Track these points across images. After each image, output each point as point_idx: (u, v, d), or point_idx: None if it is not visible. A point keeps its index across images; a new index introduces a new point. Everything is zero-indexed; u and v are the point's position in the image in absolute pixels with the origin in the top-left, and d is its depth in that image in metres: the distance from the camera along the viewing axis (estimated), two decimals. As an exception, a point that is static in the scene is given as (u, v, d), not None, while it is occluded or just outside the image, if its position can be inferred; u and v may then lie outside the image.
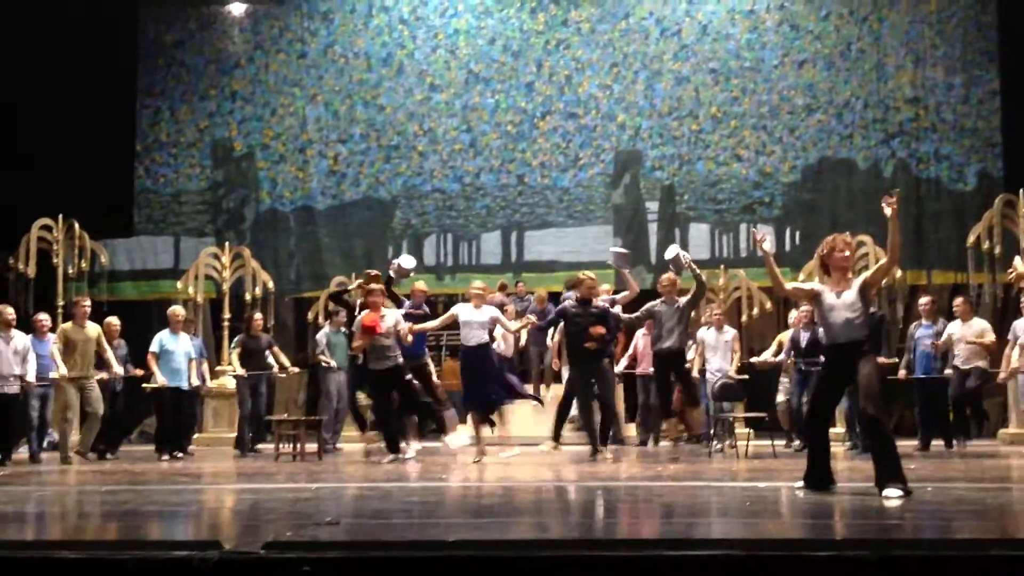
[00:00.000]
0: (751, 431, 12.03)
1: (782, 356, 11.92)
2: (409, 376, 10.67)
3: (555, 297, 13.78)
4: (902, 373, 11.81)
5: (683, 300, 10.43)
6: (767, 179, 17.03)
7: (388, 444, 10.62)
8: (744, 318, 15.36)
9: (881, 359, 11.26)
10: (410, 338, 10.47)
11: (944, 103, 16.67)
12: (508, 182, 17.60)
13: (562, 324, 10.87)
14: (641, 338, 12.70)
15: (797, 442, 11.54)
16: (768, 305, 15.40)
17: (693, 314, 11.60)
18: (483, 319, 10.52)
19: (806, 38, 17.10)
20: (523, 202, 17.57)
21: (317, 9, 18.14)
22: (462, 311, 10.61)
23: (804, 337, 11.58)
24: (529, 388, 11.81)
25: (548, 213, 17.49)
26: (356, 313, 10.98)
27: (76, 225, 15.58)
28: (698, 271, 10.48)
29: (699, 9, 17.40)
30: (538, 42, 17.73)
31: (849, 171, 16.83)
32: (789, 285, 7.41)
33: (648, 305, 10.54)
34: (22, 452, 11.60)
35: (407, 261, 11.73)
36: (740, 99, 17.17)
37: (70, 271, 15.57)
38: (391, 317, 10.50)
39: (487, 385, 10.51)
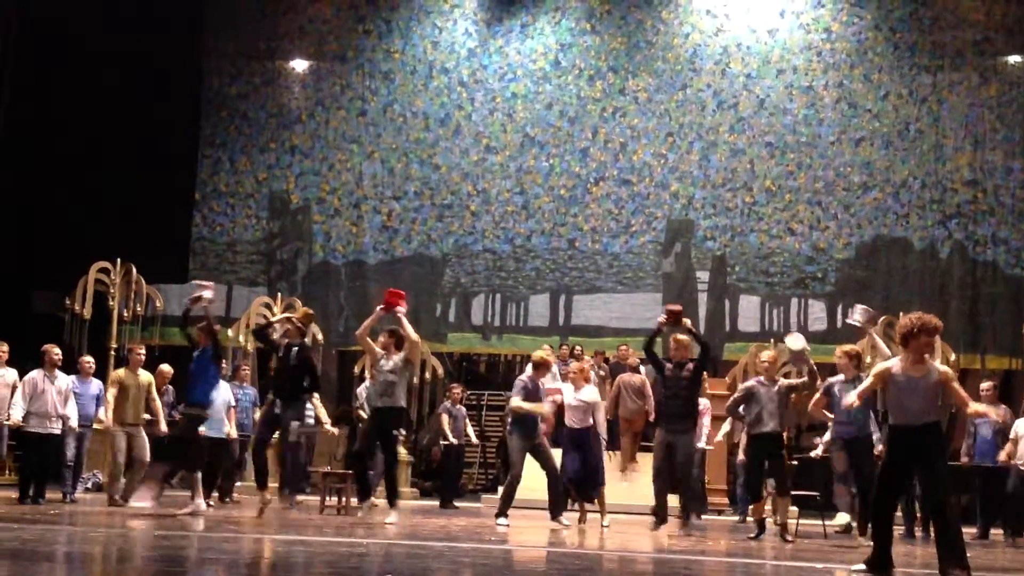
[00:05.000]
0: (797, 509, 11.83)
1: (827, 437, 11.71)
2: (396, 432, 10.04)
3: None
4: (964, 459, 11.55)
5: (784, 383, 9.84)
6: (820, 254, 16.98)
7: (361, 490, 10.04)
8: (792, 395, 15.16)
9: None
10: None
11: (1003, 187, 16.62)
12: (559, 245, 17.68)
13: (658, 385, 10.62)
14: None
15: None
16: (817, 382, 15.21)
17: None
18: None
19: (864, 116, 17.15)
20: (573, 266, 17.63)
21: (378, 68, 18.49)
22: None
23: None
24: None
25: (597, 278, 17.53)
26: (279, 354, 10.09)
27: (133, 269, 15.79)
28: (813, 365, 10.06)
29: (757, 83, 17.53)
30: (595, 109, 17.92)
31: (904, 250, 16.76)
32: (859, 391, 7.14)
33: (745, 385, 10.18)
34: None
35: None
36: (795, 173, 17.20)
37: (125, 314, 15.75)
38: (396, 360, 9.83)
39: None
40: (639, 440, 13.40)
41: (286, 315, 10.49)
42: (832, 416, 9.61)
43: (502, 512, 10.10)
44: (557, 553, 8.10)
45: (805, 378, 10.05)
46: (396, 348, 9.91)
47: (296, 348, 10.08)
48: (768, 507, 10.66)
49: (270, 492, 10.16)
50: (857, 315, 10.15)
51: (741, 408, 9.87)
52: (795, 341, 9.91)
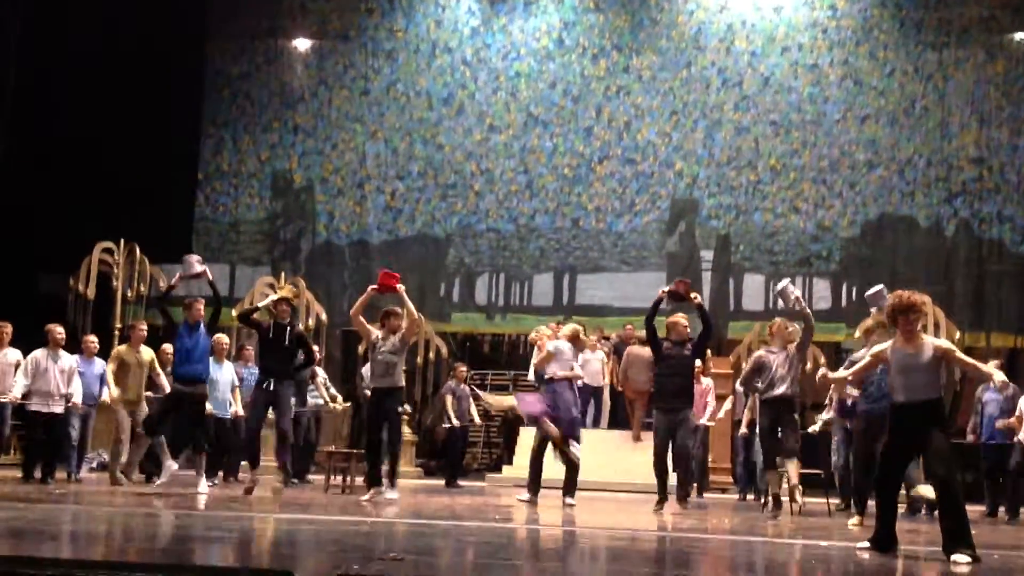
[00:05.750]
0: (801, 487, 11.81)
1: (831, 414, 11.66)
2: (401, 409, 10.05)
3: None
4: (971, 438, 11.53)
5: (792, 347, 9.78)
6: (825, 233, 16.94)
7: (370, 477, 9.87)
8: (802, 361, 15.14)
9: None
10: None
11: (1008, 164, 16.55)
12: (563, 225, 17.64)
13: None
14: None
15: (837, 501, 11.23)
16: (822, 360, 15.20)
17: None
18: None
19: (869, 94, 17.05)
20: (577, 245, 17.60)
21: (382, 47, 18.40)
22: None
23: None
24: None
25: (601, 257, 17.49)
26: (270, 335, 9.95)
27: (137, 249, 15.80)
28: (806, 309, 9.99)
29: (762, 61, 17.43)
30: (598, 87, 17.83)
31: (910, 228, 16.70)
32: (851, 371, 7.12)
33: (754, 356, 10.18)
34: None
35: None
36: (800, 152, 17.13)
37: (128, 294, 15.77)
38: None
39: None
40: (643, 414, 13.41)
41: (279, 295, 10.44)
42: (855, 394, 9.54)
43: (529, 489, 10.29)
44: (562, 531, 8.12)
45: (802, 331, 9.88)
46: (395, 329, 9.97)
47: (288, 327, 10.00)
48: (785, 484, 10.64)
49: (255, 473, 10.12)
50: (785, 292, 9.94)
51: (759, 382, 9.82)
52: (779, 284, 10.03)
